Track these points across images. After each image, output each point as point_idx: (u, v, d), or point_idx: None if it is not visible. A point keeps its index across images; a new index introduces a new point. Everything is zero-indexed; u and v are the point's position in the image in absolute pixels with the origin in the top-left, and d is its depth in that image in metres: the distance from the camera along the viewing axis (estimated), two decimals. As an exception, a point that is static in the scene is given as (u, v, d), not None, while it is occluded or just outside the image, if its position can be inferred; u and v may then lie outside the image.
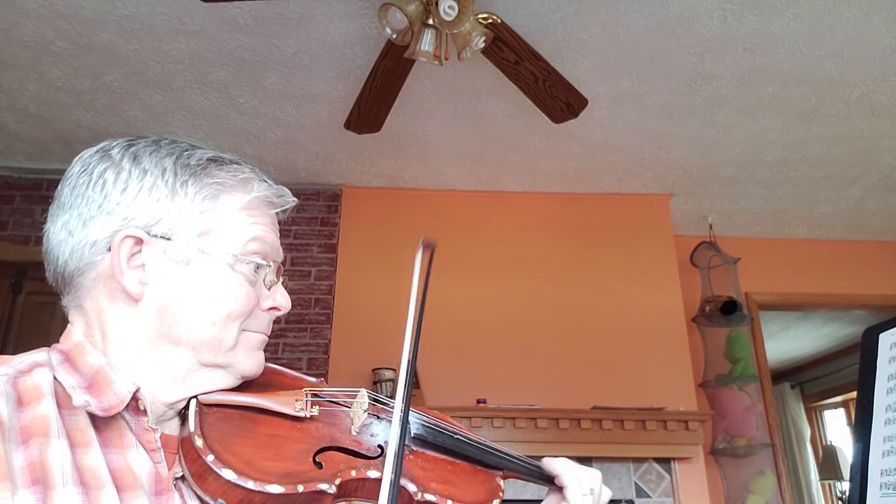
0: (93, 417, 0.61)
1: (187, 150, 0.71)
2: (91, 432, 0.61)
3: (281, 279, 0.76)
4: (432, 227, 3.64)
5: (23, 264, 3.34)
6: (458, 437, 0.79)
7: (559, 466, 0.83)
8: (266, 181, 0.75)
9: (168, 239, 0.67)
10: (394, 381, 3.17)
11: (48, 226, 0.70)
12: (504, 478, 0.82)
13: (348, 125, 2.64)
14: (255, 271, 0.71)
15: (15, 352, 0.64)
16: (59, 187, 0.70)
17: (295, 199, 0.78)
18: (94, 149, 0.70)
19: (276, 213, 0.76)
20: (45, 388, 0.60)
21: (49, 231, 0.69)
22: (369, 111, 2.53)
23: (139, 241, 0.66)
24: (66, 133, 3.22)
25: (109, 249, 0.66)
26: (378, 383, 3.13)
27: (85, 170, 0.69)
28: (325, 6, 2.40)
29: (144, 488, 0.61)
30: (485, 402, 3.14)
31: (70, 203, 0.68)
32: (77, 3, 2.38)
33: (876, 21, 2.42)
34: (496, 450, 0.82)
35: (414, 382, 3.20)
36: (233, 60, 2.70)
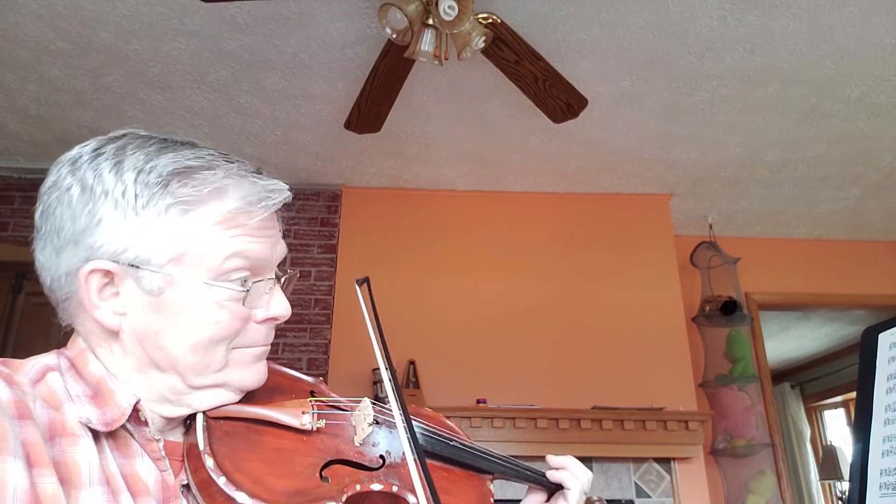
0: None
1: (151, 161, 0.64)
2: (103, 439, 0.60)
3: (283, 280, 0.71)
4: (432, 227, 3.64)
5: (23, 265, 3.34)
6: (454, 444, 0.80)
7: (565, 462, 0.85)
8: (248, 178, 0.67)
9: (137, 267, 0.62)
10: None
11: (34, 244, 0.66)
12: (493, 480, 0.83)
13: (348, 125, 2.64)
14: (241, 285, 0.66)
15: (15, 353, 0.64)
16: (36, 204, 0.66)
17: (289, 192, 0.70)
18: (69, 157, 0.66)
19: (267, 213, 0.68)
20: (62, 395, 0.60)
21: (34, 250, 0.66)
22: (369, 111, 2.53)
23: (108, 273, 0.62)
24: (67, 133, 3.22)
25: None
26: (378, 383, 3.13)
27: (55, 184, 0.64)
28: (325, 6, 2.40)
29: (153, 496, 0.61)
30: (485, 402, 3.14)
31: (43, 228, 0.64)
32: (77, 3, 2.38)
33: (876, 21, 2.42)
34: (488, 454, 0.83)
35: (414, 382, 3.21)
36: (233, 60, 2.70)
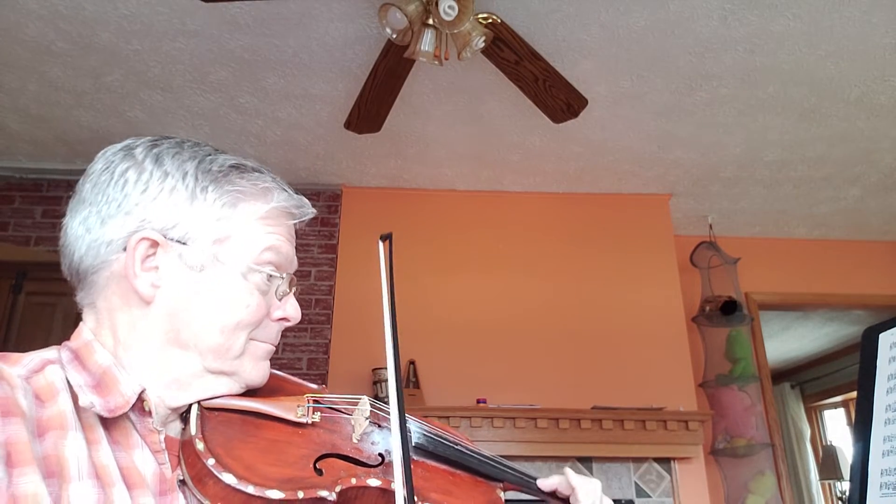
0: (101, 416, 0.62)
1: (210, 155, 0.72)
2: (100, 430, 0.61)
3: (293, 290, 0.76)
4: (432, 227, 3.64)
5: (23, 265, 3.34)
6: (458, 447, 0.79)
7: (572, 480, 0.83)
8: (287, 191, 0.75)
9: (184, 243, 0.67)
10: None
11: (67, 220, 0.70)
12: (505, 490, 0.82)
13: (348, 125, 2.64)
14: (267, 281, 0.71)
15: (16, 352, 0.64)
16: (81, 182, 0.70)
17: (314, 210, 0.78)
18: (119, 146, 0.71)
19: (294, 224, 0.76)
20: (59, 385, 0.61)
21: (67, 225, 0.70)
22: (369, 111, 2.53)
23: (155, 244, 0.66)
24: (67, 133, 3.22)
25: (125, 249, 0.66)
26: (378, 383, 3.13)
27: (107, 167, 0.69)
28: (325, 6, 2.40)
29: (150, 488, 0.61)
30: (485, 402, 3.14)
31: (90, 199, 0.68)
32: (78, 3, 2.38)
33: (876, 21, 2.42)
34: (497, 461, 0.82)
35: (414, 382, 3.21)
36: (233, 60, 2.70)
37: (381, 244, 0.74)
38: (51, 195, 3.55)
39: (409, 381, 3.22)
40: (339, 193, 3.70)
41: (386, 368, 3.25)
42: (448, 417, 3.02)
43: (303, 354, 3.34)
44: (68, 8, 2.40)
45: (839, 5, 2.35)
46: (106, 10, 2.42)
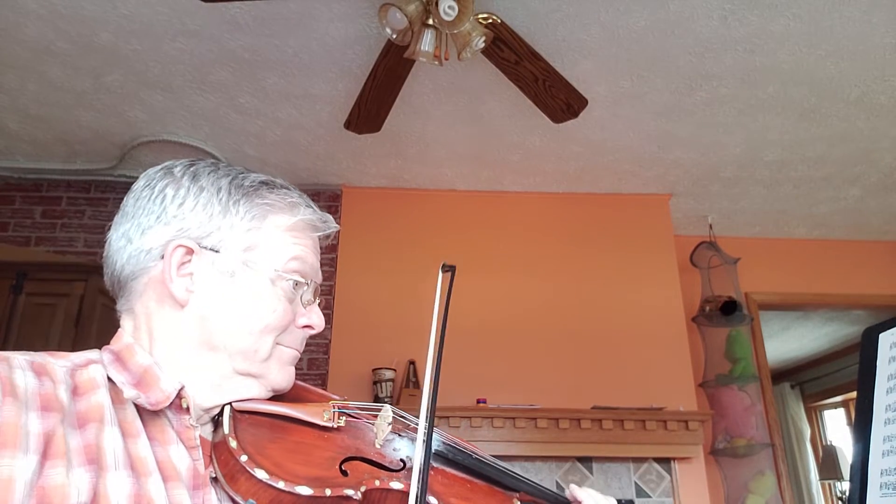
0: (139, 412, 0.66)
1: (242, 173, 0.78)
2: (139, 424, 0.65)
3: (317, 300, 0.80)
4: (432, 227, 3.64)
5: (23, 265, 3.33)
6: (476, 456, 0.82)
7: (584, 496, 0.84)
8: (312, 207, 0.80)
9: (216, 251, 0.73)
10: (393, 381, 3.17)
11: (110, 233, 0.76)
12: (521, 500, 0.84)
13: (348, 125, 2.64)
14: (293, 289, 0.76)
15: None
16: (125, 199, 0.76)
17: (337, 225, 0.83)
18: (159, 167, 0.78)
19: (319, 238, 0.81)
20: (100, 381, 0.66)
21: (111, 238, 0.76)
22: (369, 111, 2.53)
23: (190, 251, 0.72)
24: (67, 133, 3.22)
25: (162, 257, 0.72)
26: (378, 383, 3.13)
27: (148, 184, 0.75)
28: (325, 6, 2.40)
29: (183, 481, 0.64)
30: (485, 402, 3.14)
31: (132, 213, 0.74)
32: (77, 3, 2.38)
33: (876, 21, 2.42)
34: (514, 472, 0.84)
35: (414, 382, 3.21)
36: (233, 60, 2.71)
37: (441, 274, 0.77)
38: (50, 195, 3.55)
39: (409, 381, 3.22)
40: (339, 193, 3.70)
41: (386, 369, 3.24)
42: (448, 417, 3.02)
43: (303, 354, 3.33)
44: (68, 8, 2.40)
45: (839, 5, 2.35)
46: (106, 10, 2.42)
